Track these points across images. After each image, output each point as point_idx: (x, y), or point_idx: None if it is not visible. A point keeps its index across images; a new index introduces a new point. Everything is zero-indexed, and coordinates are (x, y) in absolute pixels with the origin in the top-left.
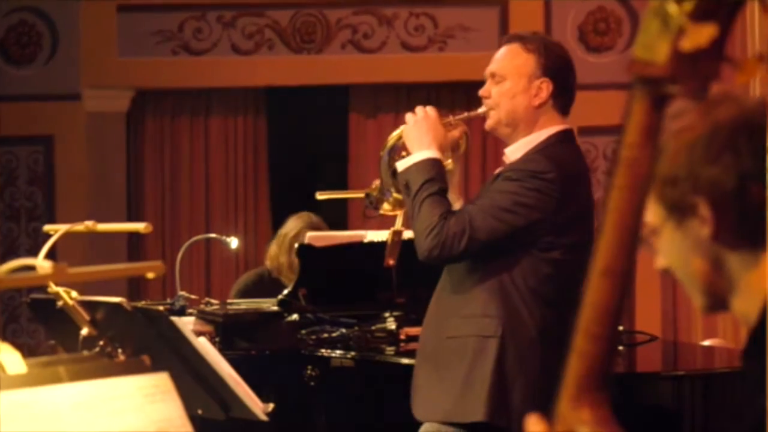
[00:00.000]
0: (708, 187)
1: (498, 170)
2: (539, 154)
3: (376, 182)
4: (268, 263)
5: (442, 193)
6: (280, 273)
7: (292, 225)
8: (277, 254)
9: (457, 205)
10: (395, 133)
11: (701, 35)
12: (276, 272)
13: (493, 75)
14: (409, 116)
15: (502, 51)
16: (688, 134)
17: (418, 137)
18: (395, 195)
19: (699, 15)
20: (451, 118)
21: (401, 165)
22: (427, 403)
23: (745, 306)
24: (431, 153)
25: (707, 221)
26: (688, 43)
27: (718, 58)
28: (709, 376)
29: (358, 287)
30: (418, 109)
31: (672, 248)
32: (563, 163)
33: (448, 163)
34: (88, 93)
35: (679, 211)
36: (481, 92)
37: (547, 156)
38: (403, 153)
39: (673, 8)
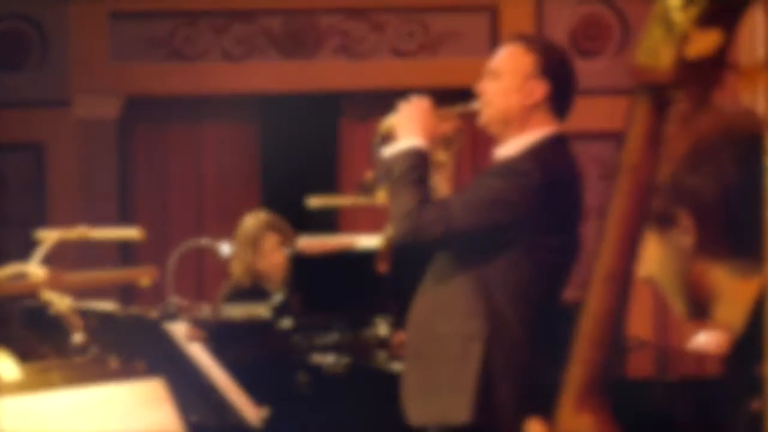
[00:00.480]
0: (689, 197)
1: (489, 163)
2: (528, 154)
3: (370, 172)
4: (235, 277)
5: (423, 180)
6: (251, 277)
7: (249, 225)
8: (237, 264)
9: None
10: (387, 121)
11: (706, 42)
12: (246, 280)
13: (491, 72)
14: (402, 103)
15: (504, 49)
16: (670, 144)
17: (407, 125)
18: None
19: (703, 21)
20: (444, 111)
21: (387, 151)
22: (416, 405)
23: (729, 315)
24: (417, 141)
25: (690, 231)
26: (692, 50)
27: (721, 64)
28: (701, 382)
29: (351, 293)
30: (413, 97)
31: (655, 258)
32: (551, 165)
33: (441, 156)
34: (79, 99)
35: (662, 220)
36: (478, 87)
37: (536, 157)
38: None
39: (677, 14)
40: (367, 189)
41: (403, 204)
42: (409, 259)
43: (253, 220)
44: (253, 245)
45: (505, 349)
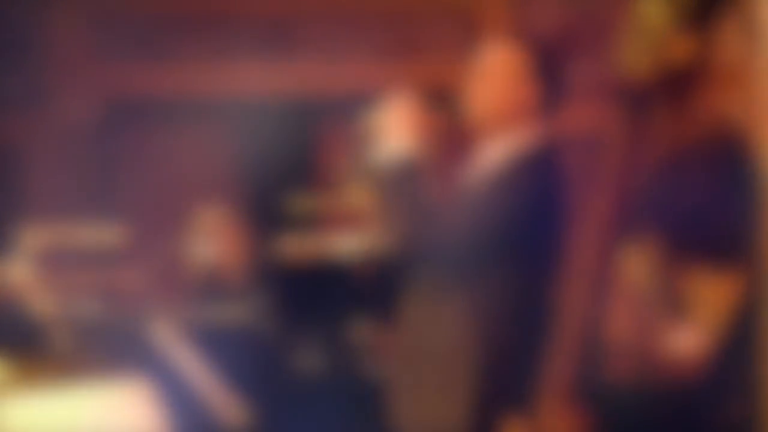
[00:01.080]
0: (662, 205)
1: (474, 169)
2: (519, 160)
3: (343, 159)
4: (191, 271)
5: (413, 187)
6: (207, 272)
7: (205, 217)
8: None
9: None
10: (372, 120)
11: (683, 49)
12: (202, 275)
13: (483, 71)
14: (389, 102)
15: (494, 47)
16: (647, 152)
17: (393, 126)
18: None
19: (680, 28)
20: (433, 111)
21: (374, 155)
22: (405, 411)
23: (705, 318)
24: (405, 145)
25: (663, 238)
26: (670, 57)
27: (698, 71)
28: (682, 386)
29: (333, 296)
30: (400, 95)
31: (635, 262)
32: (541, 172)
33: (427, 154)
34: (58, 101)
35: (638, 226)
36: (468, 87)
37: (527, 163)
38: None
39: (654, 23)
40: (341, 178)
41: (394, 213)
42: (398, 266)
43: (208, 212)
44: (209, 237)
45: (496, 354)
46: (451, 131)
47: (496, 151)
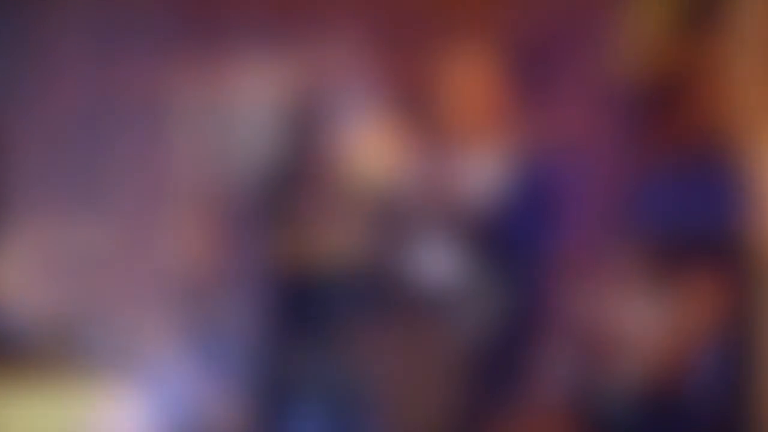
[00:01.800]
0: (640, 221)
1: (466, 175)
2: (512, 169)
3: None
4: None
5: (399, 203)
6: None
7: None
8: None
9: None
10: (354, 135)
11: (676, 52)
12: None
13: (474, 73)
14: (368, 119)
15: (485, 50)
16: (632, 164)
17: (375, 144)
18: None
19: (674, 32)
20: (415, 118)
21: (356, 171)
22: (399, 417)
23: (701, 320)
24: (385, 164)
25: (654, 245)
26: (663, 59)
27: (692, 74)
28: (674, 390)
29: (327, 298)
30: (379, 111)
31: (631, 268)
32: (535, 180)
33: (408, 169)
34: (58, 102)
35: (619, 239)
36: (457, 90)
37: (520, 171)
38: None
39: (648, 26)
40: (334, 179)
41: (381, 226)
42: (392, 269)
43: (202, 212)
44: (202, 237)
45: (490, 358)
46: (436, 138)
47: (487, 156)
